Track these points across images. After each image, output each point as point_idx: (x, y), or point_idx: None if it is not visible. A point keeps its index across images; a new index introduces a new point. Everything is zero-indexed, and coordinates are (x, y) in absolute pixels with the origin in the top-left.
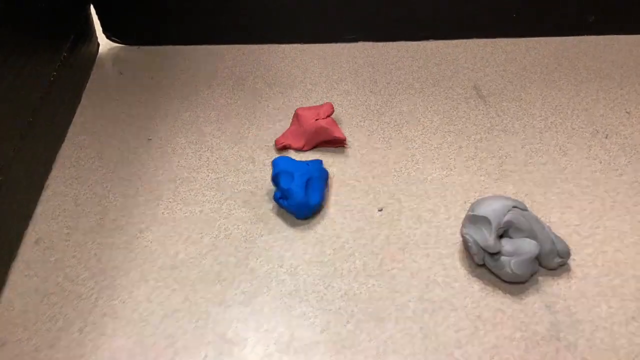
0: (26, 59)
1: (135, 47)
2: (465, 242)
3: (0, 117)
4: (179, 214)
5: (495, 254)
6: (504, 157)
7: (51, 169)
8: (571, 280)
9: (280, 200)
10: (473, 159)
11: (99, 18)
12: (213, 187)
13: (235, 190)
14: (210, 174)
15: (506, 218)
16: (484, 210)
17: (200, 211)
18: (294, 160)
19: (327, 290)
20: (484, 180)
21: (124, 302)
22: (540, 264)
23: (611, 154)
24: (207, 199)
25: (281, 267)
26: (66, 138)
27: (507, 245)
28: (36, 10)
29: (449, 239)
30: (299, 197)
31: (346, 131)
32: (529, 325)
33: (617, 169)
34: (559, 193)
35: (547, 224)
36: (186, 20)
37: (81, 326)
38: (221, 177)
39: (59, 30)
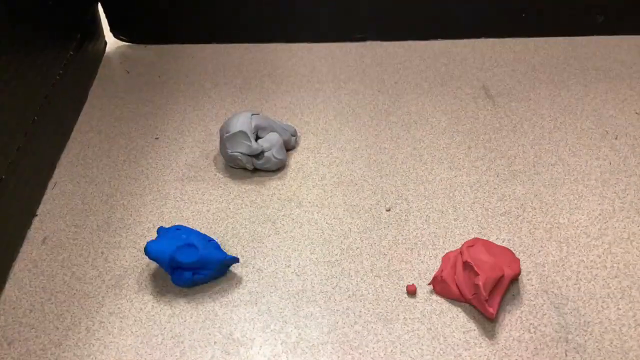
0: (33, 57)
1: (142, 46)
2: (234, 161)
3: (5, 115)
4: (186, 212)
5: (259, 154)
6: (513, 158)
7: (57, 167)
8: (580, 282)
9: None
10: (482, 159)
11: (107, 16)
12: (220, 187)
13: (243, 190)
14: (217, 173)
15: (254, 123)
16: (236, 126)
17: (208, 210)
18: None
19: (335, 291)
20: (492, 181)
21: (131, 301)
22: (286, 148)
23: (621, 155)
24: (214, 198)
25: (288, 267)
26: (72, 136)
27: (263, 143)
28: (43, 9)
29: (458, 239)
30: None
31: (354, 131)
32: (537, 326)
33: (627, 170)
34: (567, 194)
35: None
36: (193, 19)
37: (88, 325)
38: (228, 177)
39: (66, 28)
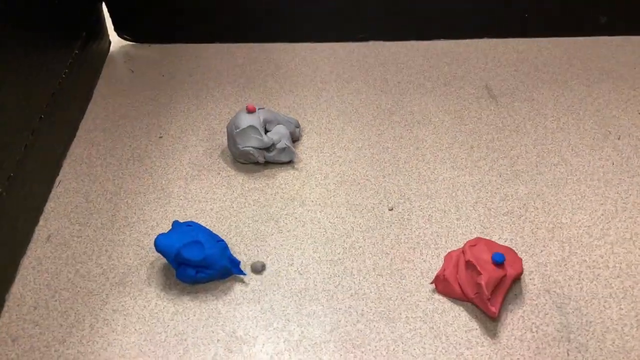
0: (38, 57)
1: (146, 45)
2: (246, 156)
3: (12, 114)
4: (189, 211)
5: (270, 147)
6: (516, 158)
7: (62, 165)
8: (582, 282)
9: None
10: (484, 159)
11: (111, 16)
12: (224, 185)
13: (246, 189)
14: (220, 172)
15: (262, 117)
16: (245, 122)
17: (211, 209)
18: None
19: (337, 289)
20: (495, 180)
21: (134, 299)
22: (292, 139)
23: (623, 155)
24: (217, 197)
25: (291, 265)
26: (77, 135)
27: (273, 136)
28: (48, 9)
29: (460, 239)
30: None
31: (357, 130)
32: (539, 326)
33: (629, 171)
34: (570, 194)
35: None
36: (197, 18)
37: (92, 322)
38: (232, 175)
39: (70, 28)
